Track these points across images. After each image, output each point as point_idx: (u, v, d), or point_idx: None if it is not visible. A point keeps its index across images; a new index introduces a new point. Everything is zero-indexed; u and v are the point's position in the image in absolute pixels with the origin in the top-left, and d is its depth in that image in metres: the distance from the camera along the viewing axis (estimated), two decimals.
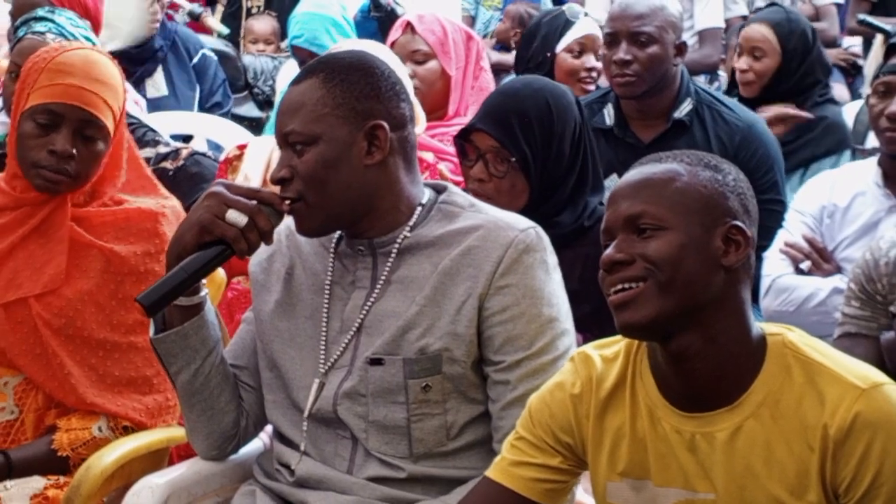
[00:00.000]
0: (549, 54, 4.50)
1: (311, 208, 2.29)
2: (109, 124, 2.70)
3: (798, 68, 4.41)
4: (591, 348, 2.12)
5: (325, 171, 2.28)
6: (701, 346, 1.97)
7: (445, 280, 2.29)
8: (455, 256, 2.29)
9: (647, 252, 1.96)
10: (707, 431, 1.99)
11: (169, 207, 2.80)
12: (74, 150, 2.67)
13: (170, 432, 2.75)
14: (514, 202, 2.95)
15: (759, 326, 2.02)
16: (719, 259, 1.96)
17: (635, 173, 2.03)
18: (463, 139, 3.02)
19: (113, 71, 2.75)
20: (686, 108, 3.84)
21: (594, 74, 4.56)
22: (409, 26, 4.17)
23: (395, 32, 4.25)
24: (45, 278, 2.70)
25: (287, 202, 2.29)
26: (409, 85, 3.30)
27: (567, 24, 4.56)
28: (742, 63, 4.46)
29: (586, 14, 4.70)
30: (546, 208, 3.00)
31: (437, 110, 4.18)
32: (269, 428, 2.51)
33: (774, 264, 3.49)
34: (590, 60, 4.52)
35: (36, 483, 2.65)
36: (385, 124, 2.30)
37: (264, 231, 2.28)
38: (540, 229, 2.34)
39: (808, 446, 1.94)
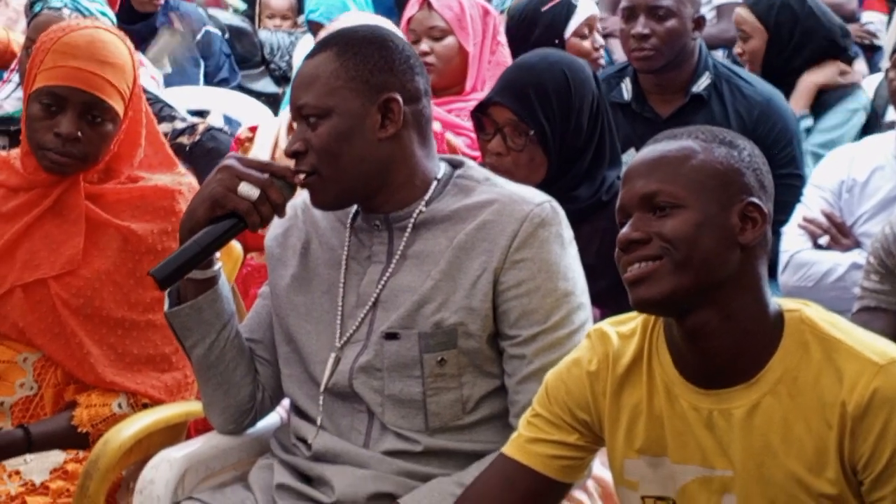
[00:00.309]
0: (556, 41, 4.49)
1: (325, 181, 2.29)
2: (117, 105, 2.68)
3: (790, 39, 4.36)
4: (607, 325, 2.12)
5: (339, 143, 2.28)
6: (717, 324, 1.96)
7: (460, 254, 2.29)
8: (470, 231, 2.29)
9: (663, 230, 1.95)
10: (724, 408, 1.99)
11: (185, 184, 2.80)
12: (80, 133, 2.66)
13: (188, 406, 2.75)
14: (532, 176, 2.95)
15: (776, 302, 2.02)
16: (736, 236, 1.96)
17: (650, 151, 2.02)
18: (480, 113, 3.01)
19: (120, 50, 2.72)
20: (704, 82, 3.83)
21: (602, 52, 4.57)
22: (425, 2, 4.15)
23: (411, 8, 4.22)
24: (63, 259, 2.70)
25: (300, 175, 2.30)
26: None
27: (571, 8, 4.55)
28: (737, 47, 4.47)
29: None
30: (563, 182, 3.00)
31: (453, 86, 4.16)
32: (286, 402, 2.51)
33: (793, 239, 3.48)
34: (597, 39, 4.53)
35: (55, 457, 2.66)
36: (399, 97, 2.30)
37: (276, 204, 2.29)
38: (555, 203, 2.34)
39: (826, 423, 1.93)
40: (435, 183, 2.36)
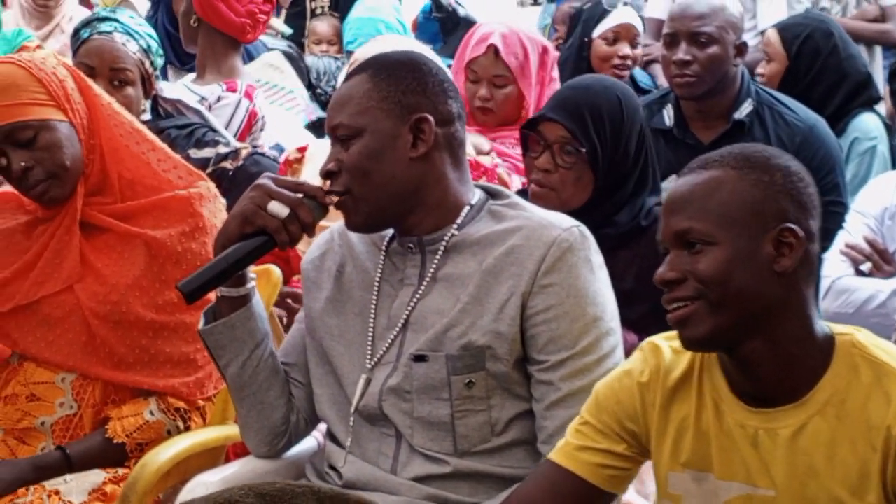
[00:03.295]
0: (585, 39, 4.53)
1: (357, 201, 2.32)
2: (39, 114, 2.72)
3: (807, 72, 4.35)
4: (660, 339, 2.11)
5: (370, 162, 2.30)
6: (764, 351, 1.96)
7: (489, 279, 2.29)
8: (499, 255, 2.30)
9: (696, 270, 1.95)
10: (771, 427, 1.98)
11: (202, 188, 2.84)
12: (24, 162, 2.72)
13: (225, 430, 2.77)
14: (577, 195, 2.96)
15: (826, 326, 2.00)
16: (772, 265, 1.94)
17: (682, 184, 2.01)
18: (530, 130, 3.02)
19: (7, 70, 2.74)
20: (746, 108, 3.82)
21: (628, 62, 4.61)
22: (492, 48, 4.09)
23: (475, 49, 4.14)
24: (65, 274, 2.76)
25: (332, 196, 2.31)
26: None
27: (604, 12, 4.59)
28: (759, 68, 4.46)
29: (626, 3, 4.73)
30: (605, 207, 3.00)
31: (506, 124, 4.17)
32: (322, 427, 2.52)
33: (834, 265, 3.46)
34: (623, 49, 4.57)
35: (95, 477, 2.69)
36: (430, 118, 2.32)
37: (306, 223, 2.31)
38: (584, 228, 2.34)
39: (871, 446, 1.93)
40: (468, 208, 2.37)
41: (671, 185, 3.62)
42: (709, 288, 1.94)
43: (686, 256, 1.96)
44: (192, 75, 4.49)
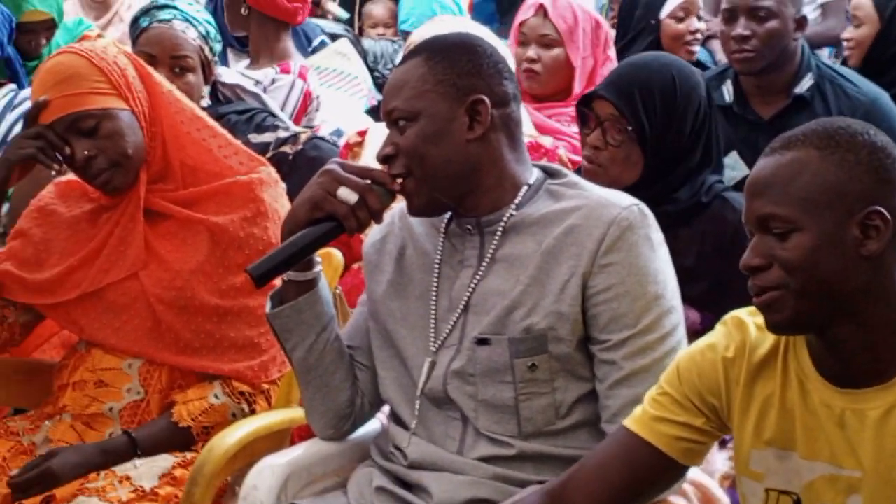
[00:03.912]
0: (653, 21, 4.49)
1: (417, 183, 2.32)
2: (101, 103, 2.75)
3: None
4: (745, 314, 2.07)
5: (426, 145, 2.30)
6: (852, 333, 1.92)
7: (549, 259, 2.29)
8: (558, 235, 2.29)
9: (781, 256, 1.91)
10: (858, 408, 1.95)
11: (263, 173, 2.86)
12: (87, 151, 2.75)
13: (290, 413, 2.79)
14: (626, 173, 2.95)
15: None
16: (858, 250, 1.89)
17: (764, 166, 1.96)
18: (585, 106, 3.01)
19: (70, 61, 2.78)
20: (807, 83, 3.77)
21: (699, 36, 4.56)
22: (541, 9, 4.16)
23: (525, 12, 4.23)
24: (129, 261, 2.80)
25: (399, 181, 2.32)
26: (512, 63, 3.30)
27: None
28: (846, 33, 4.40)
29: None
30: (664, 184, 2.99)
31: (556, 94, 4.18)
32: (386, 408, 2.53)
33: None
34: (693, 23, 4.53)
35: (164, 462, 2.72)
36: (486, 99, 2.32)
37: (374, 210, 2.32)
38: (644, 206, 2.32)
39: None
40: (526, 188, 2.37)
41: (733, 160, 3.63)
42: (793, 275, 1.90)
43: (770, 241, 1.92)
44: (247, 61, 4.51)
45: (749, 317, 2.06)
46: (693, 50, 4.47)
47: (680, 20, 4.55)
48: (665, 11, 4.55)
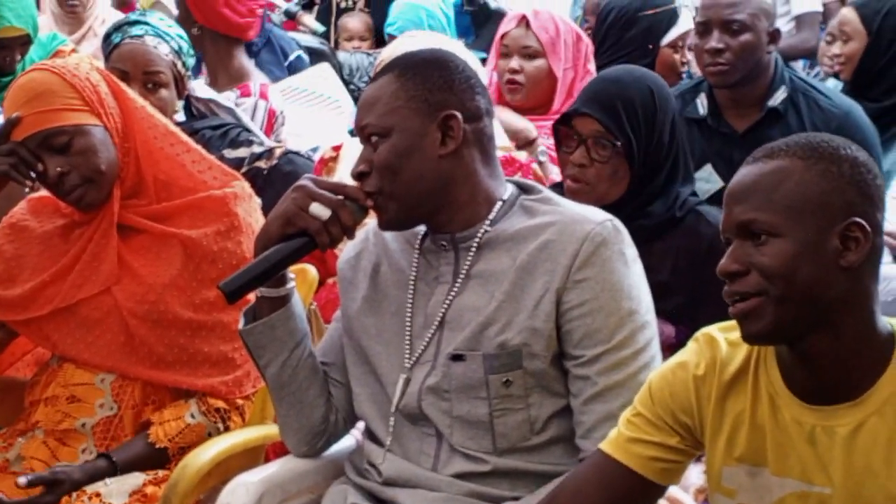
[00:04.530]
0: (651, 46, 4.47)
1: (388, 200, 2.32)
2: (73, 119, 2.74)
3: (889, 48, 4.33)
4: (716, 330, 2.07)
5: (399, 160, 2.30)
6: (825, 345, 1.92)
7: (523, 275, 2.29)
8: (532, 251, 2.29)
9: (760, 262, 1.91)
10: (828, 425, 1.95)
11: (237, 188, 2.86)
12: (60, 168, 2.74)
13: (265, 430, 2.78)
14: (613, 189, 2.94)
15: (888, 322, 1.96)
16: (837, 260, 1.90)
17: (747, 173, 1.96)
18: (564, 125, 3.01)
19: (42, 77, 2.78)
20: (780, 95, 3.78)
21: (686, 67, 4.56)
22: (524, 20, 4.17)
23: (507, 24, 4.24)
24: (102, 276, 2.78)
25: (370, 197, 2.32)
26: (484, 78, 3.30)
27: (674, 18, 4.54)
28: (835, 48, 4.41)
29: (685, 6, 4.68)
30: (639, 199, 2.98)
31: (539, 107, 4.18)
32: (361, 425, 2.53)
33: None
34: (685, 55, 4.51)
35: (135, 479, 2.70)
36: (458, 114, 2.32)
37: (347, 226, 2.32)
38: (617, 222, 2.33)
39: None
40: (500, 203, 2.36)
41: (707, 174, 3.64)
42: (772, 282, 1.90)
43: (749, 248, 1.92)
44: (203, 79, 4.50)
45: (720, 333, 2.06)
46: (681, 79, 4.46)
47: (677, 50, 4.55)
48: (667, 39, 4.53)
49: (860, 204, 1.91)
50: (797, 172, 1.92)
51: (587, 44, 4.29)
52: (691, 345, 2.08)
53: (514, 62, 4.13)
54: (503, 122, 4.01)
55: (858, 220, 1.89)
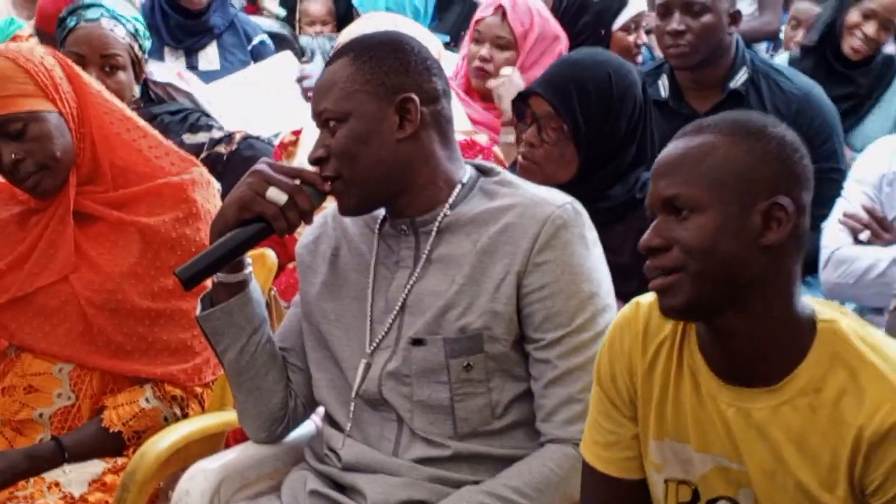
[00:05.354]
0: (603, 31, 4.47)
1: (347, 185, 2.30)
2: (29, 105, 2.70)
3: None
4: (644, 300, 2.06)
5: (357, 146, 2.28)
6: (740, 325, 1.91)
7: (484, 258, 2.28)
8: (493, 234, 2.28)
9: (682, 237, 1.89)
10: (744, 407, 1.94)
11: (195, 174, 2.84)
12: (14, 155, 2.71)
13: (225, 416, 2.77)
14: (561, 171, 2.94)
15: (811, 308, 1.94)
16: (758, 238, 1.88)
17: (673, 148, 1.96)
18: (522, 102, 3.00)
19: None
20: (742, 77, 3.79)
21: (642, 49, 4.56)
22: (500, 9, 4.16)
23: (484, 9, 4.24)
24: (59, 264, 2.76)
25: (329, 182, 2.30)
26: (444, 60, 3.29)
27: (623, 1, 4.53)
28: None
29: None
30: (597, 182, 2.98)
31: None
32: (321, 410, 2.51)
33: (833, 235, 3.44)
34: (640, 36, 4.51)
35: (94, 468, 2.69)
36: (415, 97, 2.30)
37: (304, 210, 2.30)
38: (578, 204, 2.32)
39: (841, 441, 1.88)
40: (459, 186, 2.35)
41: None
42: (692, 257, 1.88)
43: (672, 223, 1.91)
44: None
45: (647, 302, 2.05)
46: (637, 61, 4.46)
47: (629, 32, 4.54)
48: (618, 23, 4.53)
49: (785, 183, 1.90)
50: (722, 148, 1.90)
51: (563, 47, 4.26)
52: (618, 319, 2.07)
53: (485, 50, 4.14)
54: (499, 95, 4.00)
55: (782, 198, 1.88)
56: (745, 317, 1.91)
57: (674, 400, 2.01)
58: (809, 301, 1.97)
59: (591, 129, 2.93)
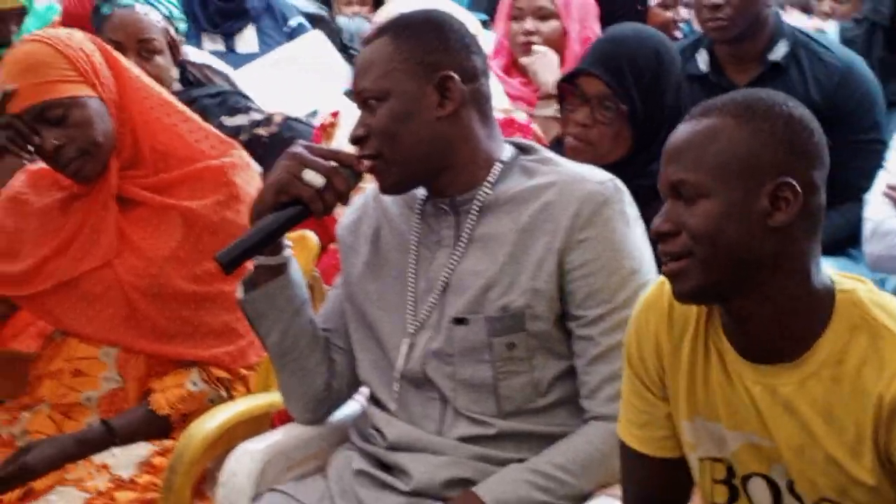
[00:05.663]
0: (640, 7, 4.45)
1: (388, 164, 2.30)
2: (69, 90, 2.72)
3: None
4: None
5: (397, 125, 2.28)
6: (756, 306, 1.90)
7: (524, 236, 2.28)
8: (533, 212, 2.28)
9: (689, 223, 1.88)
10: (769, 383, 1.94)
11: (235, 157, 2.85)
12: (56, 140, 2.72)
13: (270, 398, 2.77)
14: (614, 150, 2.92)
15: (829, 280, 1.93)
16: (766, 220, 1.87)
17: (681, 132, 1.94)
18: (568, 82, 2.98)
19: (35, 49, 2.75)
20: (781, 49, 3.76)
21: (681, 25, 4.54)
22: None
23: None
24: (102, 250, 2.78)
25: (365, 162, 2.31)
26: (482, 39, 3.29)
27: None
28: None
29: None
30: (641, 158, 2.97)
31: None
32: (365, 390, 2.52)
33: (876, 207, 3.41)
34: (680, 11, 4.49)
35: (141, 450, 2.71)
36: (455, 75, 2.29)
37: (341, 192, 2.31)
38: (618, 181, 2.31)
39: (864, 410, 1.87)
40: (499, 165, 2.35)
41: None
42: (699, 243, 1.88)
43: (681, 208, 1.90)
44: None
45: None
46: (676, 37, 4.43)
47: (667, 8, 4.52)
48: None
49: (792, 163, 1.88)
50: (727, 131, 1.89)
51: (593, 4, 4.27)
52: (644, 298, 2.06)
53: (529, 24, 4.13)
54: (534, 70, 3.99)
55: (788, 179, 1.87)
56: (761, 297, 1.90)
57: (703, 379, 2.00)
58: (828, 271, 1.95)
59: (645, 107, 2.91)
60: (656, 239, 1.94)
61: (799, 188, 1.87)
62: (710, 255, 1.88)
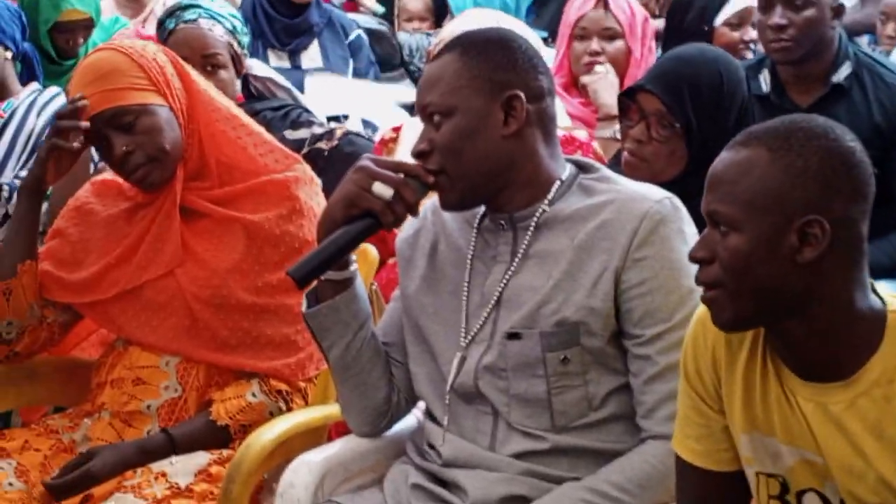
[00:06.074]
0: (706, 27, 4.44)
1: (452, 180, 2.31)
2: (139, 98, 2.77)
3: None
4: None
5: (462, 141, 2.29)
6: (800, 332, 1.91)
7: (581, 254, 2.28)
8: (590, 230, 2.29)
9: (721, 255, 1.90)
10: (821, 402, 1.94)
11: (298, 171, 2.87)
12: (126, 147, 2.76)
13: (328, 410, 2.79)
14: (669, 168, 2.91)
15: (880, 302, 1.93)
16: (794, 257, 1.87)
17: (721, 160, 1.95)
18: (628, 98, 2.99)
19: (108, 57, 2.80)
20: (845, 71, 3.74)
21: (752, 45, 4.52)
22: (601, 2, 4.17)
23: (582, 6, 4.23)
24: (167, 258, 2.81)
25: (432, 175, 2.32)
26: (548, 57, 3.30)
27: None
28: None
29: None
30: (698, 179, 2.95)
31: None
32: (422, 405, 2.53)
33: None
34: (747, 33, 4.47)
35: (200, 459, 2.72)
36: (521, 94, 2.30)
37: (410, 203, 2.31)
38: (676, 199, 2.31)
39: None
40: (558, 183, 2.35)
41: None
42: (728, 275, 1.89)
43: (717, 236, 1.92)
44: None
45: None
46: (746, 57, 4.42)
47: (735, 28, 4.51)
48: (720, 18, 4.50)
49: (824, 199, 1.87)
50: (761, 166, 1.89)
51: (652, 24, 4.30)
52: (699, 313, 2.06)
53: (595, 44, 4.14)
54: (594, 90, 4.01)
55: (817, 217, 1.86)
56: (804, 324, 1.90)
57: (761, 394, 2.00)
58: (884, 292, 1.95)
59: (703, 128, 2.90)
60: (694, 263, 1.95)
61: (828, 225, 1.87)
62: (738, 288, 1.89)
